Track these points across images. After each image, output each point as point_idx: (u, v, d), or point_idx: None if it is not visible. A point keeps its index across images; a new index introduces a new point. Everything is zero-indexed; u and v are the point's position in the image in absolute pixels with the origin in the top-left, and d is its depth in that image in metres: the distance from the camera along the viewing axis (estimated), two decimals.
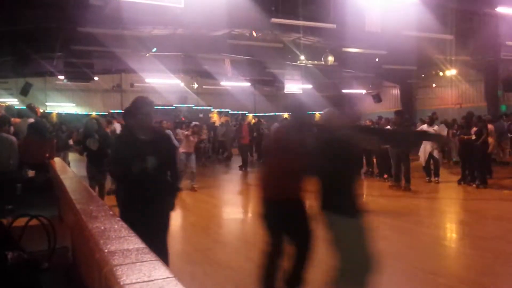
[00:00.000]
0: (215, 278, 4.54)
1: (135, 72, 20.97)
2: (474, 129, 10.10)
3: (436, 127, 11.11)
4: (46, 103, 25.62)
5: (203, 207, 8.68)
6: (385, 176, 11.29)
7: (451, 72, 18.18)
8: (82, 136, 7.79)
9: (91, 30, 12.99)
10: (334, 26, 11.82)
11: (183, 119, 20.49)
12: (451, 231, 7.14)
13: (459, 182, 10.51)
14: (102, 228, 1.74)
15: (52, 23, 13.43)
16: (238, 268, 4.83)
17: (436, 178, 10.83)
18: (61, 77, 21.16)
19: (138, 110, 3.64)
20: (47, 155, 6.04)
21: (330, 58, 15.40)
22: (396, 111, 10.88)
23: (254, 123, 19.23)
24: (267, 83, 26.46)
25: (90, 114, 24.24)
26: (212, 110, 28.52)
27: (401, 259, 5.22)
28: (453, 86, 21.38)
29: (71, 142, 11.38)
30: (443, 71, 18.54)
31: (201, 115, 25.42)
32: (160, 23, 15.81)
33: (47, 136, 6.79)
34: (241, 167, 14.59)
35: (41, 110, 10.22)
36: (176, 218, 7.86)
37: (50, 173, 4.92)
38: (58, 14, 13.02)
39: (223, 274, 4.65)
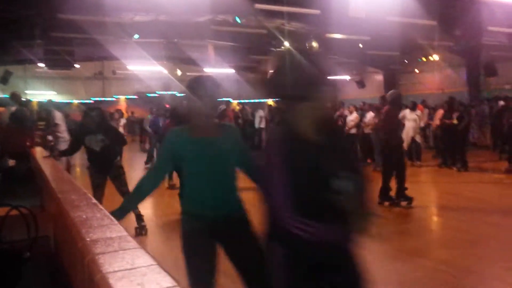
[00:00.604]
0: None
1: (117, 59, 20.62)
2: (456, 114, 10.26)
3: (418, 112, 11.24)
4: (26, 91, 25.14)
5: None
6: (369, 160, 11.43)
7: (434, 57, 18.30)
8: (79, 132, 6.00)
9: (71, 16, 12.73)
10: (319, 11, 11.78)
11: (167, 106, 20.31)
12: (432, 214, 7.26)
13: (440, 165, 10.68)
14: (84, 217, 1.72)
15: (32, 10, 13.12)
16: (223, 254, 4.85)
17: (418, 162, 11.01)
18: (42, 64, 20.75)
19: (313, 88, 1.77)
20: (28, 144, 5.96)
21: (314, 44, 15.37)
22: (382, 97, 10.97)
23: (238, 109, 19.18)
24: (251, 70, 26.32)
25: (72, 102, 23.92)
26: None
27: (383, 242, 5.30)
28: (435, 72, 21.55)
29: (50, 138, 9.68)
30: (426, 56, 18.66)
31: (185, 102, 25.21)
32: (142, 9, 15.56)
33: (28, 125, 6.69)
34: None
35: (23, 99, 9.87)
36: (162, 206, 7.86)
37: (31, 162, 4.85)
38: (38, 0, 12.72)
39: None
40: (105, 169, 5.70)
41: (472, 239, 5.36)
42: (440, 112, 10.86)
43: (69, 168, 9.35)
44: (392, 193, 7.08)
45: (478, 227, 5.89)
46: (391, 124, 7.09)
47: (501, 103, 13.28)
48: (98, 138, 5.50)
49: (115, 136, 5.89)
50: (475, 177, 9.64)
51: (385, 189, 7.04)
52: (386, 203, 7.06)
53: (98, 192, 5.61)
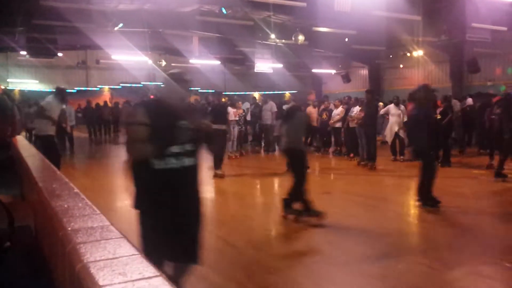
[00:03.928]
0: None
1: (101, 48, 20.36)
2: (439, 108, 10.38)
3: (402, 107, 11.33)
4: (8, 80, 24.68)
5: None
6: (351, 155, 11.53)
7: (418, 53, 18.46)
8: None
9: (54, 3, 12.52)
10: (305, 4, 11.77)
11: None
12: (414, 208, 7.32)
13: None
14: (66, 206, 1.72)
15: None
16: (211, 248, 4.82)
17: (401, 157, 11.11)
18: (23, 52, 20.42)
19: None
20: (9, 132, 5.86)
21: (301, 37, 15.35)
22: (367, 90, 11.02)
23: (225, 101, 19.08)
24: (238, 62, 26.23)
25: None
26: None
27: (367, 234, 5.35)
28: (419, 67, 21.76)
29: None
30: (410, 52, 18.81)
31: None
32: None
33: (8, 113, 6.56)
34: None
35: (2, 87, 9.63)
36: None
37: (12, 151, 4.79)
38: None
39: None
40: None
41: (451, 232, 5.44)
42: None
43: None
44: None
45: (457, 220, 5.98)
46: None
47: (469, 100, 13.55)
48: None
49: None
50: (457, 172, 9.78)
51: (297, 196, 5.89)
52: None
53: None
